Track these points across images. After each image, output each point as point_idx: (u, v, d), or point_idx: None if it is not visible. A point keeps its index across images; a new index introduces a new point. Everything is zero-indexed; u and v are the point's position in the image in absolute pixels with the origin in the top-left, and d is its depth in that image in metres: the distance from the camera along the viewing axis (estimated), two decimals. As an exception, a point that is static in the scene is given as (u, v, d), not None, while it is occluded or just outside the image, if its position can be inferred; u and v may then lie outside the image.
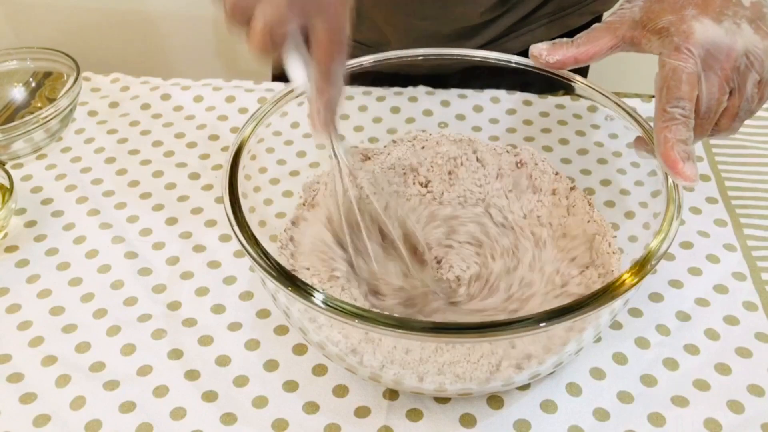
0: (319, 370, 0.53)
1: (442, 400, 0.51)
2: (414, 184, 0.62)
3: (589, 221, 0.57)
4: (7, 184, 0.64)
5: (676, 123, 0.47)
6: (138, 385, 0.53)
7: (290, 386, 0.53)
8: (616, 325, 0.56)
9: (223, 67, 1.39)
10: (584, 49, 0.54)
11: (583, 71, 0.84)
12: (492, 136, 0.66)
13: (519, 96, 0.72)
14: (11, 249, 0.63)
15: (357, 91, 0.70)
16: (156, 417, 0.51)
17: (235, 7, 0.45)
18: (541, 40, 0.56)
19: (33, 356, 0.55)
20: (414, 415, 0.51)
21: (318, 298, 0.43)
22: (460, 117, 0.72)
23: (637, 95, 0.75)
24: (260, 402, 0.52)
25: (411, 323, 0.42)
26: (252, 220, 0.49)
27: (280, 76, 0.93)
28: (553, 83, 0.58)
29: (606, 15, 0.60)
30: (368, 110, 0.72)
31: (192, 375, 0.53)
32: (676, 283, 0.59)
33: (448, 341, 0.44)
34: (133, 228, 0.65)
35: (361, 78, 0.59)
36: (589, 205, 0.58)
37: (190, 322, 0.57)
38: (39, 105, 0.77)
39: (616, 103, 0.56)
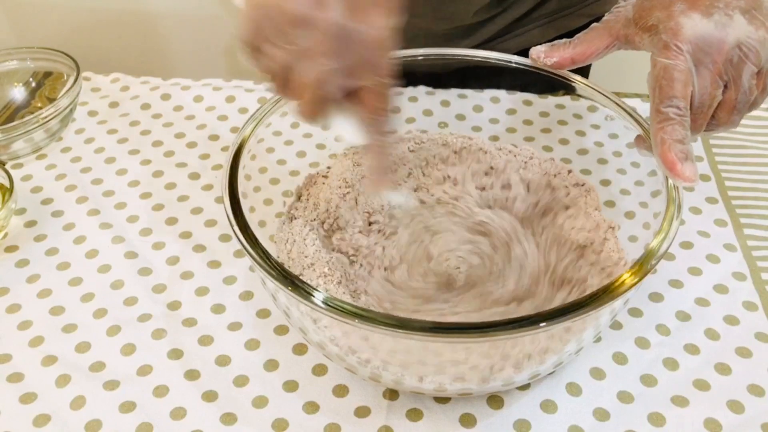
0: (319, 370, 0.53)
1: (442, 400, 0.51)
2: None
3: (590, 220, 0.57)
4: (7, 184, 0.64)
5: (672, 123, 0.47)
6: (138, 385, 0.53)
7: (290, 386, 0.53)
8: (616, 325, 0.56)
9: (223, 67, 1.39)
10: (580, 49, 0.54)
11: (584, 71, 0.83)
12: (492, 136, 0.66)
13: (519, 96, 0.72)
14: (11, 249, 0.63)
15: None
16: (156, 417, 0.51)
17: (281, 74, 0.44)
18: (537, 42, 0.57)
19: (33, 356, 0.55)
20: (414, 415, 0.51)
21: (318, 298, 0.43)
22: (460, 117, 0.72)
23: (637, 95, 0.75)
24: (260, 402, 0.52)
25: (411, 323, 0.42)
26: (252, 220, 0.49)
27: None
28: (553, 83, 0.58)
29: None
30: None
31: (192, 375, 0.53)
32: (676, 283, 0.59)
33: (448, 341, 0.44)
34: (133, 228, 0.65)
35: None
36: (592, 205, 0.58)
37: (190, 322, 0.57)
38: (39, 105, 0.77)
39: (616, 103, 0.56)
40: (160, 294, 0.59)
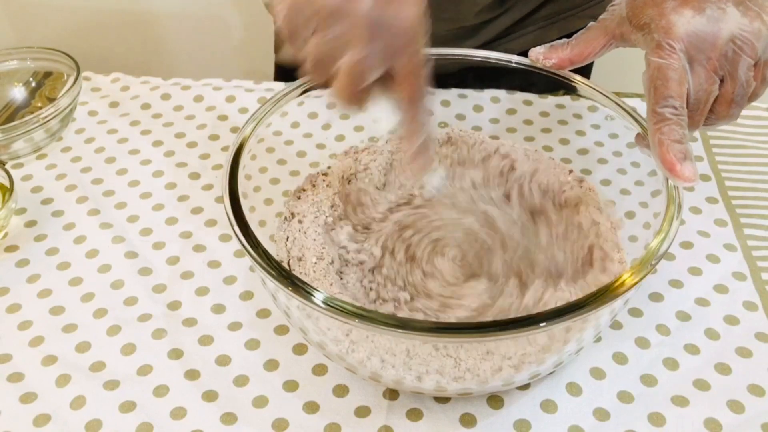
0: (319, 370, 0.53)
1: (442, 400, 0.51)
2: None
3: (591, 219, 0.57)
4: (7, 183, 0.64)
5: (669, 123, 0.46)
6: (138, 385, 0.53)
7: (290, 386, 0.53)
8: (616, 325, 0.56)
9: (223, 67, 1.39)
10: (578, 50, 0.54)
11: (586, 71, 0.84)
12: (492, 136, 0.66)
13: (519, 96, 0.72)
14: (11, 249, 0.63)
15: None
16: (156, 417, 0.51)
17: (317, 63, 0.45)
18: (539, 43, 0.56)
19: (33, 356, 0.55)
20: (414, 415, 0.51)
21: (318, 297, 0.43)
22: (460, 117, 0.72)
23: (637, 95, 0.75)
24: (260, 402, 0.52)
25: (411, 323, 0.42)
26: (252, 220, 0.49)
27: (283, 75, 0.93)
28: (554, 83, 0.58)
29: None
30: (368, 110, 0.72)
31: (192, 375, 0.53)
32: (676, 283, 0.59)
33: (449, 341, 0.44)
34: (133, 228, 0.65)
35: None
36: (592, 205, 0.58)
37: (190, 322, 0.57)
38: (39, 105, 0.77)
39: (617, 103, 0.56)
40: (160, 294, 0.59)
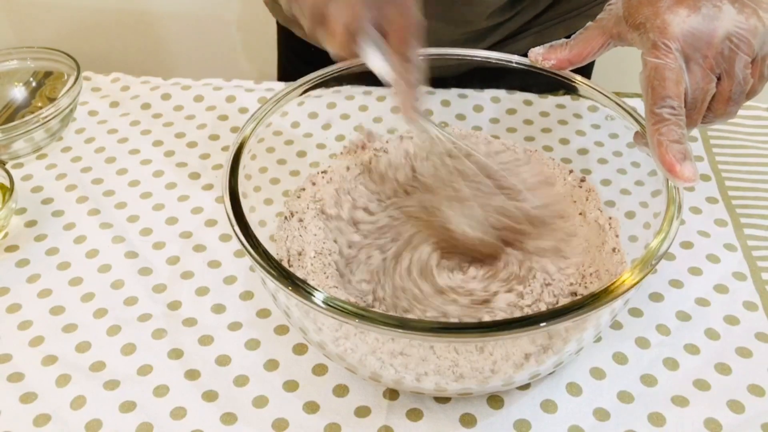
0: (319, 370, 0.53)
1: (442, 400, 0.51)
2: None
3: (592, 218, 0.57)
4: (7, 183, 0.64)
5: (667, 123, 0.46)
6: (138, 385, 0.53)
7: (290, 386, 0.53)
8: (616, 325, 0.56)
9: (223, 67, 1.39)
10: (577, 51, 0.54)
11: (587, 70, 0.83)
12: (492, 135, 0.66)
13: (519, 96, 0.72)
14: (11, 249, 0.63)
15: (357, 90, 0.70)
16: (156, 417, 0.51)
17: (313, 12, 0.47)
18: (544, 43, 0.56)
19: (33, 356, 0.55)
20: (414, 415, 0.51)
21: (318, 297, 0.43)
22: (460, 117, 0.72)
23: (637, 95, 0.75)
24: (260, 402, 0.52)
25: (411, 323, 0.42)
26: (252, 220, 0.49)
27: (284, 75, 0.94)
28: (554, 83, 0.58)
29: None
30: (368, 110, 0.72)
31: (192, 375, 0.53)
32: (676, 283, 0.59)
33: (449, 341, 0.44)
34: (133, 228, 0.65)
35: (362, 78, 0.59)
36: (592, 205, 0.58)
37: (190, 322, 0.57)
38: (39, 105, 0.77)
39: (617, 103, 0.56)
40: (160, 294, 0.59)
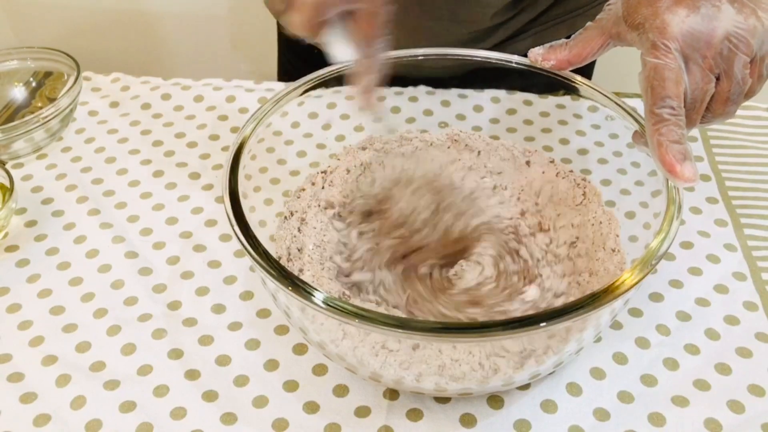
0: (319, 370, 0.53)
1: (442, 400, 0.51)
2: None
3: (591, 218, 0.57)
4: (7, 183, 0.64)
5: (667, 124, 0.46)
6: (138, 385, 0.53)
7: (290, 386, 0.53)
8: (616, 325, 0.56)
9: (223, 67, 1.39)
10: (576, 51, 0.54)
11: (587, 70, 0.83)
12: (492, 135, 0.66)
13: (519, 96, 0.72)
14: (11, 249, 0.63)
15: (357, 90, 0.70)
16: (156, 417, 0.51)
17: None
18: (546, 42, 0.56)
19: (33, 356, 0.55)
20: (414, 415, 0.51)
21: (318, 297, 0.43)
22: (461, 117, 0.72)
23: (637, 95, 0.74)
24: (260, 402, 0.52)
25: (411, 323, 0.42)
26: (252, 220, 0.49)
27: (284, 75, 0.94)
28: (554, 83, 0.58)
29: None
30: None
31: (192, 375, 0.53)
32: (676, 283, 0.59)
33: (449, 341, 0.44)
34: (133, 228, 0.65)
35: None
36: (592, 204, 0.58)
37: (190, 322, 0.57)
38: (39, 105, 0.77)
39: (617, 103, 0.56)
40: (160, 294, 0.59)
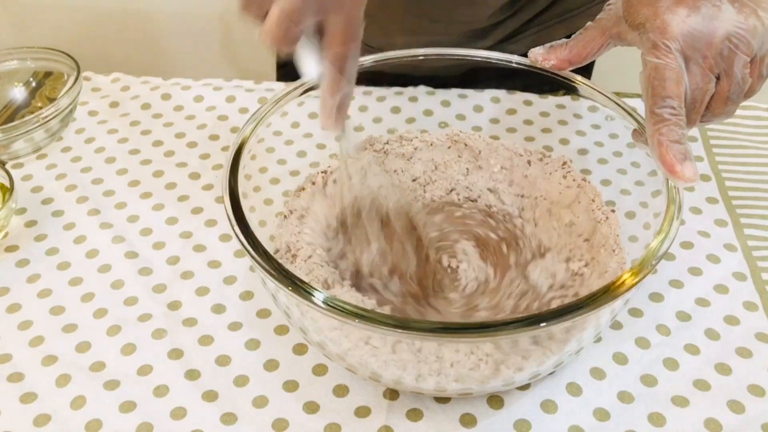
0: (319, 370, 0.53)
1: (443, 400, 0.51)
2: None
3: (592, 218, 0.57)
4: (7, 183, 0.64)
5: (668, 124, 0.46)
6: (138, 385, 0.53)
7: (290, 386, 0.53)
8: (616, 325, 0.56)
9: (223, 67, 1.39)
10: (576, 51, 0.54)
11: (587, 70, 0.83)
12: (492, 135, 0.66)
13: (519, 96, 0.72)
14: (11, 249, 0.63)
15: (357, 90, 0.69)
16: (156, 417, 0.51)
17: (252, 4, 0.45)
18: (545, 42, 0.56)
19: (33, 356, 0.55)
20: (414, 415, 0.51)
21: (318, 297, 0.43)
22: (461, 117, 0.72)
23: (637, 95, 0.75)
24: (260, 402, 0.52)
25: (411, 323, 0.42)
26: (252, 220, 0.49)
27: (285, 75, 0.94)
28: (554, 83, 0.58)
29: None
30: (368, 110, 0.72)
31: (192, 375, 0.53)
32: (676, 283, 0.59)
33: (449, 341, 0.44)
34: (133, 228, 0.65)
35: (362, 78, 0.59)
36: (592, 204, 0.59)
37: (190, 322, 0.57)
38: (39, 105, 0.77)
39: (617, 103, 0.56)
40: (160, 294, 0.59)
